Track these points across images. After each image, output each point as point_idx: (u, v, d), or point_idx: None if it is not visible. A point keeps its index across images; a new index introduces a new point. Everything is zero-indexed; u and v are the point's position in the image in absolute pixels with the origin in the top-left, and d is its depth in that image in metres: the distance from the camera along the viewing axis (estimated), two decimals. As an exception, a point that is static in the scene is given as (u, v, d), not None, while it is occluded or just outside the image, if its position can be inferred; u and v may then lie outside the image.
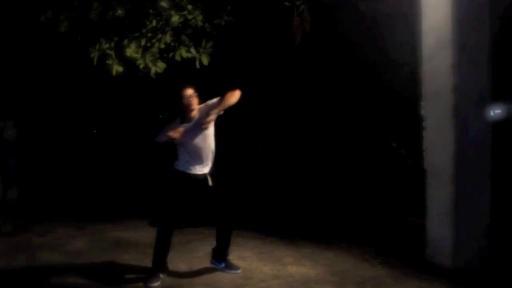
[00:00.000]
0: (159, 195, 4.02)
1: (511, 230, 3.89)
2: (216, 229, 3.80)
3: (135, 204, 6.48)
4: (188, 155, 3.64)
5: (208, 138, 3.67)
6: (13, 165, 7.03)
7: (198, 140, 3.61)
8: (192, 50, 4.82)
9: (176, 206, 3.63)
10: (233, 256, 4.19)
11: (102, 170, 7.44)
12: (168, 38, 4.74)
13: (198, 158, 3.64)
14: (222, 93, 3.64)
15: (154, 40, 4.71)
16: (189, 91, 3.59)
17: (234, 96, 3.60)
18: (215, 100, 3.65)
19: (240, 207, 6.28)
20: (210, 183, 3.70)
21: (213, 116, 3.52)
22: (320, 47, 6.26)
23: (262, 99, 6.90)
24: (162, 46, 4.78)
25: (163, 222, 3.66)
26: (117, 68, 4.74)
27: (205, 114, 3.57)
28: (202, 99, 3.70)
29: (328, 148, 6.57)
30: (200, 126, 3.53)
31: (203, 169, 3.68)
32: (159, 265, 3.62)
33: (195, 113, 3.64)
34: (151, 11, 4.53)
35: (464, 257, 3.64)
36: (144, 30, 4.63)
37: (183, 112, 3.63)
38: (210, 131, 3.66)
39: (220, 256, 3.83)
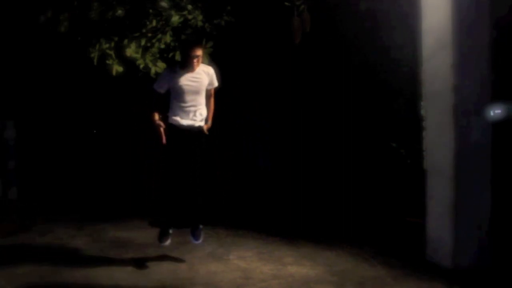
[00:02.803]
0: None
1: (511, 230, 3.89)
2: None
3: (135, 204, 6.48)
4: (181, 108, 3.81)
5: (201, 92, 3.86)
6: (13, 165, 7.02)
7: (193, 93, 3.80)
8: (192, 50, 4.81)
9: (171, 156, 3.82)
10: (233, 256, 4.20)
11: (102, 170, 7.44)
12: (168, 38, 4.75)
13: (190, 112, 3.81)
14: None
15: (154, 40, 4.71)
16: (197, 52, 3.73)
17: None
18: (215, 81, 3.93)
19: (240, 206, 6.30)
20: (202, 134, 3.87)
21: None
22: (320, 47, 6.26)
23: (262, 99, 6.90)
24: (162, 46, 4.78)
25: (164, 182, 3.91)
26: (117, 68, 4.74)
27: (205, 75, 3.83)
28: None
29: (328, 147, 6.57)
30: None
31: (194, 121, 3.83)
32: (168, 223, 3.94)
33: (196, 69, 3.80)
34: (151, 11, 4.53)
35: (464, 257, 3.64)
36: (144, 30, 4.64)
37: (185, 64, 3.77)
38: (203, 88, 3.86)
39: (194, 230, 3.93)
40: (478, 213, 3.67)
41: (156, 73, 4.84)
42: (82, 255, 4.30)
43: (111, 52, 4.69)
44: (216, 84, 3.95)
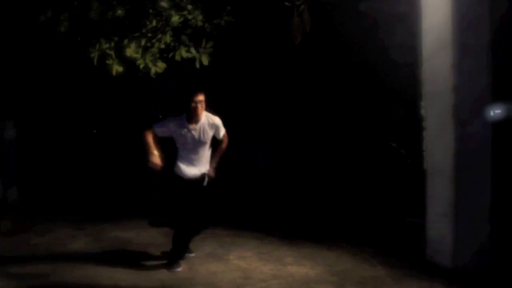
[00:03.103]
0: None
1: (511, 230, 3.90)
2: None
3: (135, 204, 6.48)
4: (186, 157, 3.90)
5: (207, 145, 3.95)
6: (13, 165, 7.03)
7: (198, 144, 3.87)
8: (192, 50, 4.83)
9: (179, 205, 3.91)
10: (233, 256, 4.20)
11: (102, 170, 7.45)
12: (168, 38, 4.74)
13: (195, 160, 3.90)
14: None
15: (154, 40, 4.71)
16: (200, 97, 3.81)
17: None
18: (222, 130, 3.98)
19: (240, 207, 6.30)
20: (205, 183, 3.95)
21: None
22: (320, 47, 6.26)
23: (262, 99, 6.90)
24: (162, 46, 4.78)
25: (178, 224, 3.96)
26: (117, 68, 4.74)
27: (209, 127, 3.88)
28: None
29: (328, 148, 6.57)
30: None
31: (199, 170, 3.91)
32: (180, 253, 3.94)
33: (201, 118, 3.86)
34: (151, 11, 4.53)
35: (464, 257, 3.64)
36: (144, 30, 4.63)
37: (190, 112, 3.83)
38: (209, 140, 3.95)
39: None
40: (478, 213, 3.67)
41: (156, 73, 4.84)
42: (82, 255, 4.30)
43: (111, 52, 4.68)
44: (223, 131, 4.00)
